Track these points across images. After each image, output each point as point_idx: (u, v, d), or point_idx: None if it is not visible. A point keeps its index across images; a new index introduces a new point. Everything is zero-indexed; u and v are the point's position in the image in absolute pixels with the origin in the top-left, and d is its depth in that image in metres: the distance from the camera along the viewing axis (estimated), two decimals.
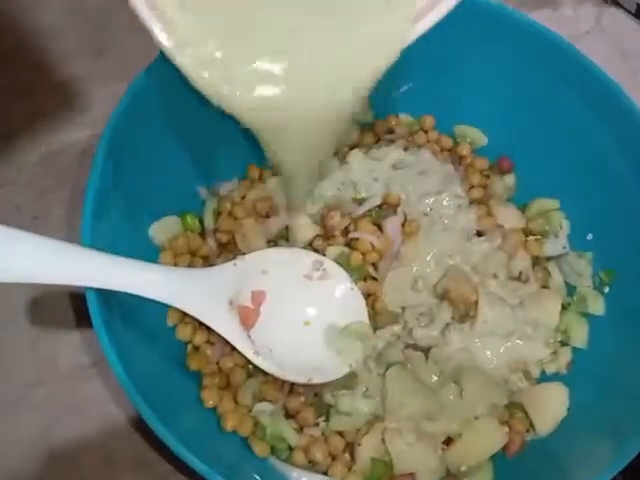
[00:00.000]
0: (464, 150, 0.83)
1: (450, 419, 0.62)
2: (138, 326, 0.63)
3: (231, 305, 0.65)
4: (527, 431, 0.64)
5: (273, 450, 0.61)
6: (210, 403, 0.62)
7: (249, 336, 0.65)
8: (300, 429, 0.62)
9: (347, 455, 0.61)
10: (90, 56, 0.91)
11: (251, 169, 0.81)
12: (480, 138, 0.80)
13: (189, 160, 0.74)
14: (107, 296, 0.58)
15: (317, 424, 0.63)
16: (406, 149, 0.82)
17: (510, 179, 0.82)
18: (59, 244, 0.54)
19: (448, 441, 0.63)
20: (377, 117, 0.86)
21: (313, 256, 0.71)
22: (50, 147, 0.86)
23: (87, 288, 0.56)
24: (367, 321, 0.66)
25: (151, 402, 0.54)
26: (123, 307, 0.60)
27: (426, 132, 0.85)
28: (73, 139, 0.86)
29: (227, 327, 0.64)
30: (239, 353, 0.66)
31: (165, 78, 0.66)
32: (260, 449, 0.61)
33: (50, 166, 0.85)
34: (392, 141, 0.83)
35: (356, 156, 0.81)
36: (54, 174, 0.84)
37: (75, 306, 0.74)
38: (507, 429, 0.63)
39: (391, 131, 0.85)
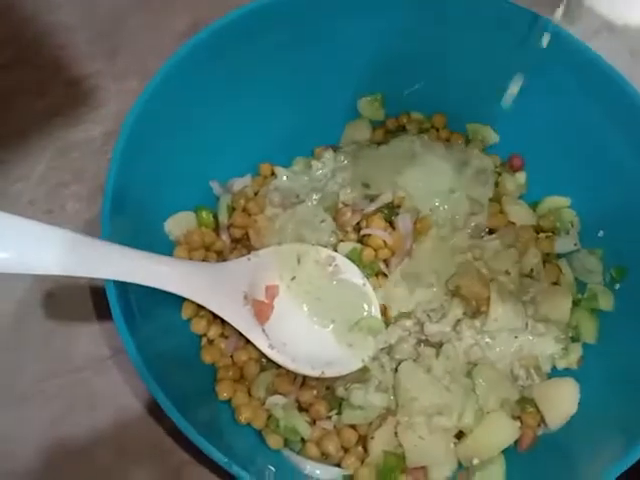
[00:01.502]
0: (476, 148, 0.83)
1: (462, 413, 0.62)
2: (154, 319, 0.63)
3: (246, 299, 0.66)
4: (538, 426, 0.64)
5: (286, 442, 0.62)
6: (224, 395, 0.62)
7: (263, 330, 0.64)
8: (313, 422, 0.63)
9: (360, 448, 0.62)
10: (105, 55, 0.92)
11: (263, 167, 0.82)
12: (492, 136, 0.79)
13: (203, 157, 0.75)
14: (125, 289, 0.58)
15: (329, 417, 0.63)
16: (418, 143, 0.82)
17: (521, 177, 0.82)
18: (81, 237, 0.55)
19: (460, 435, 0.63)
20: (388, 115, 0.86)
21: (325, 252, 0.69)
22: (64, 143, 0.86)
23: (107, 280, 0.57)
24: (379, 316, 0.67)
25: (168, 393, 0.55)
26: (140, 300, 0.61)
27: (437, 130, 0.85)
28: (87, 136, 0.87)
29: (242, 320, 0.64)
30: (252, 346, 0.66)
31: (180, 77, 0.69)
32: (274, 441, 0.61)
33: (64, 162, 0.85)
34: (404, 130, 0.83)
35: (365, 152, 0.82)
36: (68, 170, 0.85)
37: (92, 299, 0.75)
38: (519, 424, 0.63)
39: (402, 128, 0.85)
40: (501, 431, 0.62)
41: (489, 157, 0.83)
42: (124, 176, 0.62)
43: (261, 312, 0.63)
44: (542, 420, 0.64)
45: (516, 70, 0.78)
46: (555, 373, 0.67)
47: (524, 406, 0.64)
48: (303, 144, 0.83)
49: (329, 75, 0.80)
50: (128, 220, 0.63)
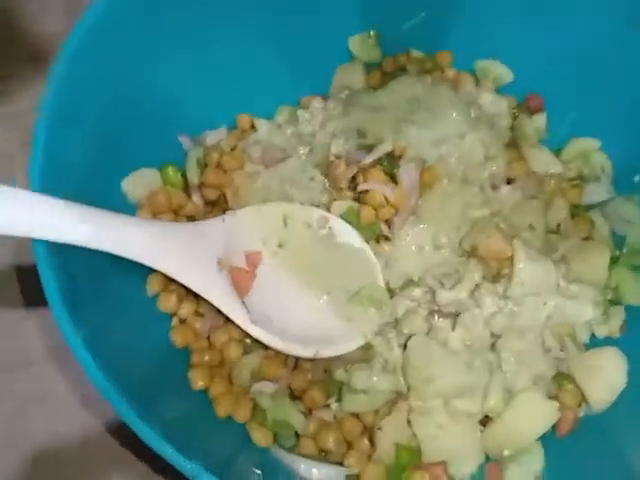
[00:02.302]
0: (488, 88, 0.74)
1: (487, 395, 0.56)
2: (109, 299, 0.54)
3: (220, 265, 0.57)
4: (579, 406, 0.58)
5: (276, 438, 0.56)
6: (200, 384, 0.57)
7: (244, 303, 0.58)
8: (308, 412, 0.57)
9: (365, 441, 0.56)
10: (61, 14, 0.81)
11: (241, 118, 0.73)
12: (505, 74, 0.75)
13: (169, 105, 0.65)
14: (66, 261, 0.48)
15: (328, 405, 0.58)
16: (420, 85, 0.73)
17: (541, 119, 0.74)
18: (7, 189, 0.45)
19: (486, 421, 0.57)
20: (385, 55, 0.77)
21: (317, 212, 0.64)
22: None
23: (36, 246, 0.46)
24: (382, 284, 0.62)
25: (128, 391, 0.45)
26: (89, 275, 0.51)
27: (443, 70, 0.76)
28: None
29: (216, 291, 0.56)
30: (234, 325, 0.58)
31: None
32: (260, 437, 0.55)
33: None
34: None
35: (360, 98, 0.72)
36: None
37: (28, 283, 0.64)
38: (556, 404, 0.57)
39: (402, 70, 0.76)
40: (536, 414, 0.56)
41: (503, 98, 0.74)
42: (65, 110, 0.52)
43: (240, 281, 0.58)
44: (583, 399, 0.58)
45: None
46: (595, 343, 0.61)
47: (561, 383, 0.58)
48: (287, 92, 0.75)
49: (314, 10, 0.71)
50: (71, 172, 0.53)
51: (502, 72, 0.74)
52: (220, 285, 0.56)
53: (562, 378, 0.58)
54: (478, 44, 0.74)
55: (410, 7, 0.73)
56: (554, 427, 0.57)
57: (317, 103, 0.73)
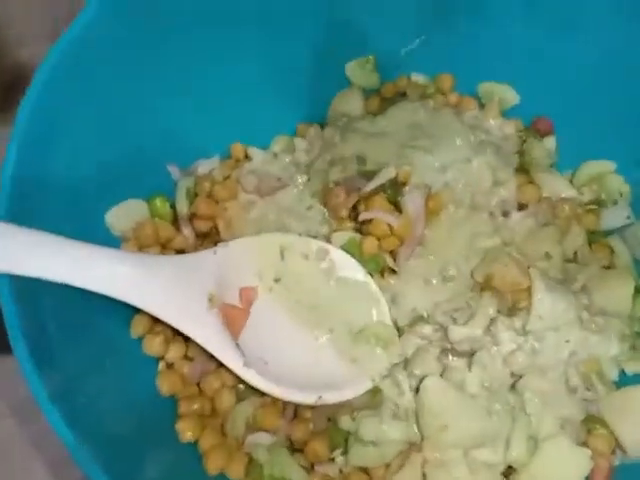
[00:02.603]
0: (493, 111, 0.71)
1: (510, 443, 0.52)
2: (87, 344, 0.49)
3: (211, 303, 0.53)
4: (613, 453, 0.54)
5: None
6: (188, 435, 0.53)
7: (237, 345, 0.53)
8: (310, 467, 0.54)
9: None
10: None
11: (235, 148, 0.69)
12: (511, 96, 0.72)
13: (158, 133, 0.62)
14: (37, 303, 0.44)
15: (333, 459, 0.54)
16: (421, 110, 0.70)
17: (550, 142, 0.71)
18: None
19: (509, 472, 0.53)
20: (384, 80, 0.74)
21: (316, 244, 0.60)
22: None
23: (1, 286, 0.41)
24: (389, 322, 0.59)
25: (103, 451, 0.41)
26: (62, 317, 0.47)
27: (444, 94, 0.73)
28: None
29: (207, 332, 0.51)
30: (226, 370, 0.54)
31: (119, 25, 0.55)
32: None
33: None
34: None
35: (358, 125, 0.69)
36: None
37: None
38: (588, 452, 0.52)
39: (402, 95, 0.73)
40: (565, 464, 0.52)
41: (509, 121, 0.71)
42: (36, 148, 0.48)
43: (233, 320, 0.53)
44: (617, 444, 0.54)
45: (537, 11, 0.66)
46: (625, 380, 0.58)
47: (592, 427, 0.54)
48: (283, 121, 0.72)
49: (310, 36, 0.69)
50: (45, 207, 0.49)
51: (507, 94, 0.71)
52: (211, 325, 0.51)
53: (592, 422, 0.54)
54: (481, 66, 0.71)
55: (408, 30, 0.70)
56: (587, 479, 0.52)
57: (314, 131, 0.71)
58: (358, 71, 0.73)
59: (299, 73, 0.70)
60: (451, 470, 0.50)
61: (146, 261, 0.51)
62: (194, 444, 0.52)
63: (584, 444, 0.53)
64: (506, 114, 0.72)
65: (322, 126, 0.72)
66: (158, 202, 0.60)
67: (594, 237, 0.65)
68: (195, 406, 0.53)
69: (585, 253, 0.64)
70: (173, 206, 0.62)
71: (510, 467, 0.53)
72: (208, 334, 0.51)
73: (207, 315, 0.51)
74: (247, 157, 0.69)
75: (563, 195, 0.66)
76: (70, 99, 0.51)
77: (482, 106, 0.72)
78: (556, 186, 0.66)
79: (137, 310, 0.52)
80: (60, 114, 0.51)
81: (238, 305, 0.54)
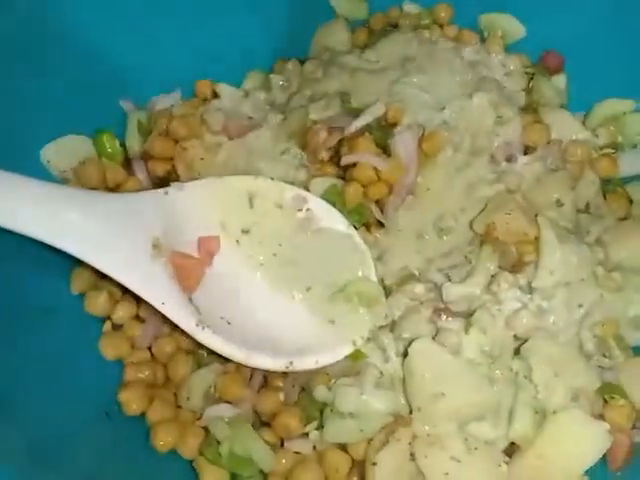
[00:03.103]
0: (495, 46, 0.65)
1: (513, 416, 0.48)
2: (16, 302, 0.43)
3: (157, 250, 0.46)
4: (633, 427, 0.50)
5: None
6: (134, 408, 0.47)
7: (191, 300, 0.47)
8: (279, 443, 0.50)
9: None
10: None
11: (200, 85, 0.63)
12: (516, 29, 0.67)
13: (108, 58, 0.56)
14: None
15: (306, 434, 0.50)
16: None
17: (561, 79, 0.66)
18: None
19: (513, 450, 0.49)
20: (373, 10, 0.69)
21: (292, 190, 0.55)
22: None
23: None
24: (375, 278, 0.54)
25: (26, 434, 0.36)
26: None
27: (441, 26, 0.67)
28: None
29: (148, 281, 0.45)
30: (186, 333, 0.47)
31: None
32: (213, 479, 0.46)
33: None
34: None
35: (344, 60, 0.64)
36: None
37: None
38: (606, 425, 0.48)
39: (393, 26, 0.68)
40: (579, 440, 0.47)
41: (514, 56, 0.65)
42: None
43: (185, 271, 0.47)
44: (638, 418, 0.51)
45: None
46: None
47: (609, 397, 0.50)
48: (258, 55, 0.66)
49: None
50: None
51: (512, 27, 0.67)
52: (155, 274, 0.45)
53: (609, 391, 0.50)
54: None
55: None
56: (604, 457, 0.48)
57: (292, 66, 0.65)
58: (344, 0, 0.69)
59: (277, 0, 0.64)
60: (444, 447, 0.46)
61: (79, 197, 0.44)
62: (141, 418, 0.47)
63: (600, 417, 0.50)
64: (511, 49, 0.67)
65: (302, 62, 0.66)
66: (105, 139, 0.55)
67: (609, 186, 0.61)
68: (144, 373, 0.49)
69: (599, 203, 0.60)
70: (124, 145, 0.57)
71: (513, 444, 0.49)
72: (151, 285, 0.45)
73: (151, 263, 0.45)
74: (215, 96, 0.63)
75: (575, 137, 0.62)
76: None
77: (484, 40, 0.67)
78: (567, 127, 0.62)
79: (78, 262, 0.46)
80: None
81: (192, 254, 0.48)
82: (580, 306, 0.53)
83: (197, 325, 0.45)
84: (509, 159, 0.60)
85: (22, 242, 0.41)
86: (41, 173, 0.51)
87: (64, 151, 0.53)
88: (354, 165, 0.56)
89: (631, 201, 0.60)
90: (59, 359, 0.45)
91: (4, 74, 0.47)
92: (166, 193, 0.49)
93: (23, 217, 0.40)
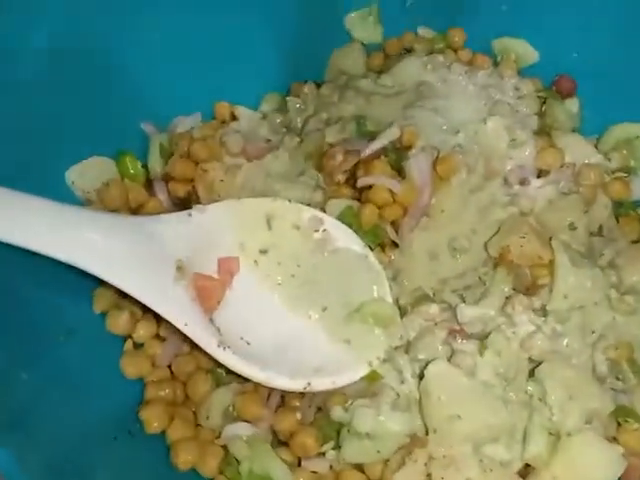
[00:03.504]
0: (509, 70, 0.66)
1: (528, 438, 0.48)
2: (39, 320, 0.44)
3: (180, 272, 0.47)
4: None
5: None
6: (154, 426, 0.48)
7: (212, 321, 0.48)
8: (297, 462, 0.50)
9: None
10: None
11: (219, 107, 0.65)
12: (529, 53, 0.68)
13: (132, 82, 0.57)
14: None
15: (323, 454, 0.50)
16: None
17: (573, 104, 0.66)
18: None
19: (527, 472, 0.49)
20: (388, 35, 0.70)
21: (308, 212, 0.56)
22: None
23: None
24: (390, 299, 0.54)
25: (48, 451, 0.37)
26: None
27: (455, 50, 0.68)
28: None
29: (172, 303, 0.46)
30: (205, 353, 0.48)
31: None
32: None
33: None
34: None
35: (359, 84, 0.65)
36: None
37: None
38: (620, 449, 0.49)
39: (408, 51, 0.69)
40: (593, 463, 0.48)
41: (528, 80, 0.66)
42: None
43: (206, 292, 0.48)
44: None
45: None
46: None
47: (624, 420, 0.51)
48: (275, 78, 0.68)
49: None
50: None
51: (525, 51, 0.68)
52: (178, 297, 0.46)
53: (623, 414, 0.51)
54: (495, 19, 0.67)
55: None
56: None
57: (308, 89, 0.66)
58: (359, 24, 0.70)
59: (293, 24, 0.66)
60: (460, 468, 0.47)
61: (104, 219, 0.46)
62: (161, 436, 0.48)
63: (614, 440, 0.50)
64: (524, 73, 0.67)
65: (318, 85, 0.67)
66: (128, 160, 0.56)
67: (621, 209, 0.61)
68: (164, 391, 0.49)
69: (612, 226, 0.60)
70: (146, 167, 0.58)
71: (527, 465, 0.49)
72: (175, 307, 0.46)
73: (174, 286, 0.46)
74: (234, 118, 0.65)
75: (588, 161, 0.62)
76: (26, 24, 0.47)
77: (497, 65, 0.68)
78: (580, 151, 0.62)
79: (100, 282, 0.47)
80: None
81: (213, 275, 0.49)
82: (594, 330, 0.53)
83: (219, 346, 0.46)
84: (522, 182, 0.61)
85: (44, 263, 0.42)
86: (65, 194, 0.52)
87: (88, 173, 0.54)
88: (370, 187, 0.57)
89: None
90: (81, 378, 0.46)
91: (32, 97, 0.48)
92: (189, 215, 0.50)
93: (46, 239, 0.41)
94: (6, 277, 0.42)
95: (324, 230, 0.55)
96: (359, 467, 0.50)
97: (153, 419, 0.47)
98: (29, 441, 0.36)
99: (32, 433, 0.36)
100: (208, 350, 0.46)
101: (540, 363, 0.51)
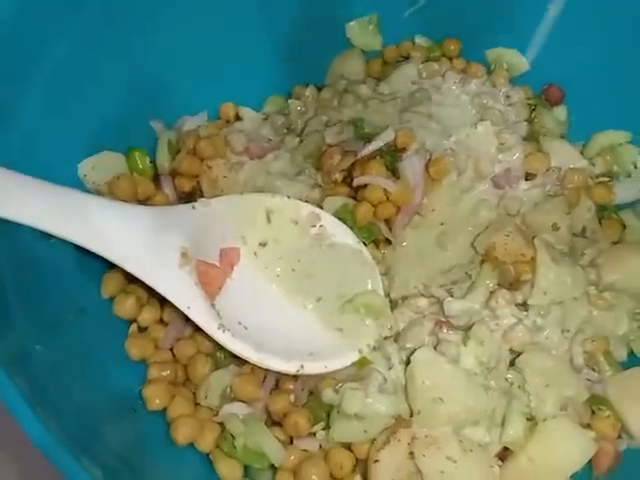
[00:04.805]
0: (501, 78, 0.68)
1: (506, 422, 0.50)
2: (50, 304, 0.46)
3: (185, 258, 0.49)
4: (619, 437, 0.52)
5: (247, 472, 0.50)
6: (156, 403, 0.50)
7: (213, 305, 0.50)
8: (288, 441, 0.51)
9: (358, 478, 0.51)
10: None
11: (225, 107, 0.67)
12: (520, 63, 0.69)
13: (143, 83, 0.59)
14: None
15: (313, 434, 0.52)
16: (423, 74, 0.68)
17: (561, 111, 0.68)
18: None
19: (505, 454, 0.51)
20: (386, 43, 0.72)
21: (306, 208, 0.58)
22: None
23: None
24: (382, 292, 0.56)
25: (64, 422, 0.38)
26: (21, 274, 0.44)
27: (450, 59, 0.70)
28: None
29: (177, 287, 0.48)
30: (204, 336, 0.51)
31: None
32: (227, 470, 0.49)
33: None
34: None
35: (358, 89, 0.67)
36: None
37: None
38: (592, 434, 0.51)
39: (405, 58, 0.71)
40: (567, 446, 0.49)
41: (518, 89, 0.68)
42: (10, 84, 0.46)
43: (209, 279, 0.50)
44: (623, 428, 0.52)
45: None
46: (633, 361, 0.56)
47: (597, 408, 0.52)
48: (278, 81, 0.69)
49: None
50: (12, 154, 0.47)
51: (517, 61, 0.69)
52: (182, 279, 0.48)
53: (597, 402, 0.52)
54: (489, 30, 0.69)
55: None
56: (590, 463, 0.50)
57: (310, 92, 0.68)
58: (359, 32, 0.71)
59: (297, 31, 0.67)
60: (441, 448, 0.48)
61: (118, 208, 0.48)
62: (163, 413, 0.50)
63: (588, 426, 0.52)
64: (515, 81, 0.69)
65: (319, 89, 0.69)
66: (137, 155, 0.58)
67: (604, 212, 0.63)
68: (166, 372, 0.51)
69: (595, 228, 0.61)
70: (154, 163, 0.60)
71: (506, 448, 0.51)
72: (179, 290, 0.48)
73: (177, 270, 0.48)
74: (238, 118, 0.67)
75: (573, 165, 0.63)
76: (48, 26, 0.49)
77: (490, 73, 0.69)
78: (566, 156, 0.64)
79: (110, 266, 0.50)
80: (34, 41, 0.48)
81: (215, 263, 0.51)
82: (572, 323, 0.54)
83: (219, 328, 0.48)
84: (510, 184, 0.62)
85: (64, 246, 0.45)
86: (77, 186, 0.53)
87: (99, 166, 0.56)
88: (365, 186, 0.58)
89: (624, 227, 0.61)
90: (89, 356, 0.48)
91: (50, 92, 0.51)
92: (193, 208, 0.52)
93: (64, 223, 0.44)
94: (28, 256, 0.45)
95: (321, 226, 0.57)
96: (347, 446, 0.51)
97: (155, 397, 0.49)
98: (46, 409, 0.38)
99: (48, 402, 0.38)
100: (209, 331, 0.48)
101: (520, 353, 0.53)
